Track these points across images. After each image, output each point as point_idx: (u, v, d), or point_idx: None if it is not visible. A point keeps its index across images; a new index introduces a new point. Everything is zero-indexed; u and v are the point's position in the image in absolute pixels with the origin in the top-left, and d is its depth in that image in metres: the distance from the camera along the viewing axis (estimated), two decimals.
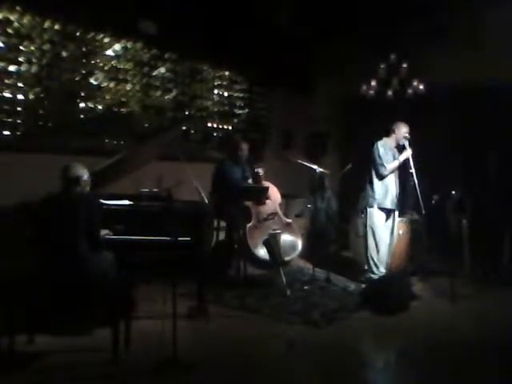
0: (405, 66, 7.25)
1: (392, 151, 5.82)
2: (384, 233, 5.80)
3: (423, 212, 5.57)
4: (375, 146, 5.76)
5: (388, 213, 5.81)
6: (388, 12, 7.25)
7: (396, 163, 5.71)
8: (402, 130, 5.75)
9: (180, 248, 3.93)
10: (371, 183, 5.78)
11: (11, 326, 3.64)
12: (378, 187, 5.74)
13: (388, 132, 5.86)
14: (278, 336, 4.30)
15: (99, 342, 3.76)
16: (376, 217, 5.76)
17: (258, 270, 5.81)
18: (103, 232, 4.12)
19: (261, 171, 5.90)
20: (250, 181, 5.97)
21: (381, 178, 5.72)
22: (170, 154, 5.25)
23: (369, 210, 5.79)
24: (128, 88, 6.35)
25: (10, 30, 5.18)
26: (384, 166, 5.68)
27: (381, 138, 5.83)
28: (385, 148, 5.75)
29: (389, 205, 5.77)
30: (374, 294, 5.10)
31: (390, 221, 5.86)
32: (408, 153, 5.61)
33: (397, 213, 5.92)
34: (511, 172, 6.55)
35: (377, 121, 6.10)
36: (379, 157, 5.69)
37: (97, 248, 3.84)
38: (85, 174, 3.91)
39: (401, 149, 5.80)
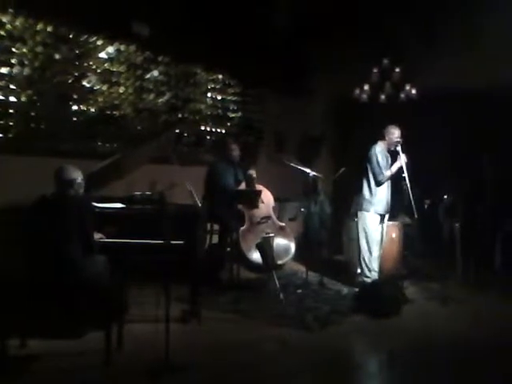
0: (398, 70, 7.28)
1: (386, 156, 5.85)
2: (377, 236, 5.82)
3: (415, 216, 5.59)
4: (372, 151, 5.77)
5: (381, 217, 5.84)
6: (384, 16, 7.28)
7: (393, 170, 5.72)
8: (394, 135, 5.75)
9: (173, 251, 3.92)
10: (369, 188, 5.79)
11: (3, 329, 3.61)
12: (374, 192, 5.76)
13: (380, 136, 5.88)
14: (271, 339, 4.29)
15: (92, 345, 3.73)
16: (370, 220, 5.79)
17: (251, 273, 5.81)
18: (97, 236, 4.10)
19: (253, 174, 5.90)
20: (243, 184, 5.96)
21: (379, 184, 5.75)
22: (163, 157, 5.23)
23: (363, 213, 5.81)
24: (121, 91, 6.33)
25: (2, 32, 5.15)
26: (383, 174, 5.71)
27: (376, 143, 5.85)
28: (381, 154, 5.77)
29: (383, 209, 5.81)
30: (367, 297, 5.10)
31: (382, 225, 5.88)
32: (402, 159, 5.61)
33: (387, 217, 5.95)
34: (504, 176, 6.59)
35: (370, 125, 6.12)
36: (378, 164, 5.71)
37: (90, 251, 3.82)
38: (78, 177, 3.89)
39: (393, 153, 5.81)
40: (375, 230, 5.81)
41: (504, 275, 6.34)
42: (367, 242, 5.80)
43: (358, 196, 5.96)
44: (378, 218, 5.82)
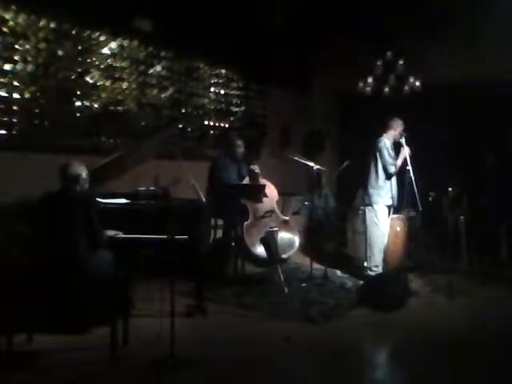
0: (401, 63, 7.25)
1: (392, 148, 5.84)
2: (386, 229, 5.84)
3: (420, 209, 5.59)
4: (383, 143, 5.76)
5: (389, 209, 5.86)
6: (386, 9, 7.24)
7: (398, 162, 5.74)
8: (400, 127, 5.77)
9: (178, 246, 3.93)
10: (376, 180, 5.80)
11: (10, 324, 3.63)
12: (382, 185, 5.77)
13: (385, 128, 5.87)
14: (275, 333, 4.30)
15: (98, 340, 3.75)
16: (379, 213, 5.81)
17: (256, 267, 5.82)
18: (113, 232, 4.12)
19: (257, 169, 5.90)
20: (246, 179, 5.96)
21: (390, 177, 5.76)
22: (166, 152, 5.23)
23: (373, 206, 5.82)
24: (124, 86, 6.34)
25: (5, 29, 5.15)
26: (394, 166, 5.71)
27: (381, 135, 5.84)
28: (390, 146, 5.77)
29: (390, 202, 5.83)
30: (372, 290, 5.10)
31: (388, 217, 5.90)
32: (406, 150, 5.63)
33: (392, 209, 5.96)
34: (508, 168, 6.57)
35: (374, 118, 6.11)
36: (389, 155, 5.72)
37: (97, 246, 3.83)
38: (83, 172, 3.91)
39: (397, 145, 5.81)
40: (385, 223, 5.83)
41: (509, 268, 6.33)
42: (377, 235, 5.81)
43: (365, 189, 5.96)
44: (387, 210, 5.84)
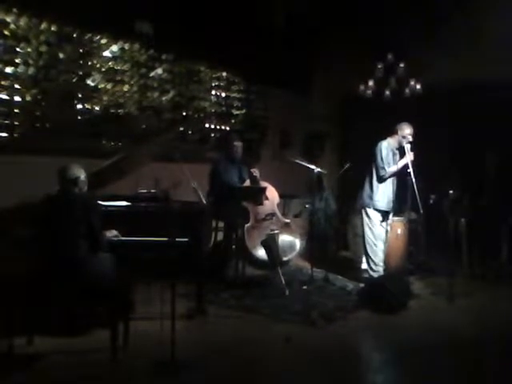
0: (402, 65, 7.25)
1: (394, 152, 5.80)
2: (381, 232, 5.81)
3: (421, 211, 5.57)
4: (378, 147, 5.73)
5: (384, 214, 5.82)
6: (386, 11, 7.25)
7: (395, 168, 5.68)
8: (405, 132, 5.68)
9: (178, 249, 3.93)
10: (371, 183, 5.78)
11: (10, 326, 3.64)
12: (376, 189, 5.74)
13: (391, 132, 5.84)
14: (276, 336, 4.29)
15: (98, 342, 3.75)
16: (373, 216, 5.78)
17: (257, 270, 5.82)
18: (112, 233, 4.12)
19: (256, 172, 5.90)
20: (247, 182, 5.97)
21: (381, 180, 5.72)
22: (167, 155, 5.24)
23: (366, 209, 5.81)
24: (125, 89, 6.35)
25: (6, 32, 5.17)
26: (385, 170, 5.67)
27: (385, 138, 5.81)
28: (387, 150, 5.72)
29: (385, 206, 5.78)
30: (373, 293, 5.10)
31: (386, 221, 5.87)
32: (408, 158, 5.55)
33: (391, 214, 5.93)
34: (509, 171, 6.57)
35: (374, 120, 6.10)
36: (381, 159, 5.68)
37: (98, 248, 3.83)
38: (81, 175, 3.91)
39: (402, 151, 5.76)
40: (378, 226, 5.80)
41: (510, 269, 6.33)
42: (371, 238, 5.79)
43: (361, 192, 5.95)
44: (380, 213, 5.80)
